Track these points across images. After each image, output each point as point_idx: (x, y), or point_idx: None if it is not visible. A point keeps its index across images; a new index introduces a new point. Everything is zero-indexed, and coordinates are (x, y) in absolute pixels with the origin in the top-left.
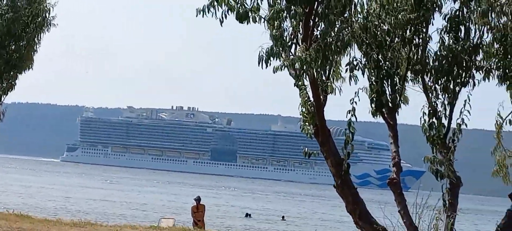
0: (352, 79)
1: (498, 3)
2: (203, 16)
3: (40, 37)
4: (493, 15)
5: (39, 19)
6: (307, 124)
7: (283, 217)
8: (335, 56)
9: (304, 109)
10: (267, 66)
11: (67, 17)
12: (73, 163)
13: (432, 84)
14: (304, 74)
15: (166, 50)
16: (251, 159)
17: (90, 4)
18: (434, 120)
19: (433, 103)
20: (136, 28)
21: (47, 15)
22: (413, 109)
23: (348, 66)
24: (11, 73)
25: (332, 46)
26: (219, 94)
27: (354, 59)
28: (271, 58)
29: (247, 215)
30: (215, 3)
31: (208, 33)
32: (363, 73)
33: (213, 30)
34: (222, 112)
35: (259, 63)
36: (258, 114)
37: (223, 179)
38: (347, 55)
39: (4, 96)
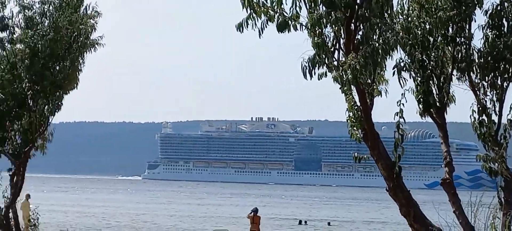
0: (401, 80)
1: None
2: (242, 31)
3: (84, 57)
4: None
5: (81, 38)
6: (354, 128)
7: (329, 223)
8: (384, 60)
9: (351, 114)
10: (311, 76)
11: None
12: (155, 180)
13: (479, 81)
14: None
15: (236, 62)
16: (336, 167)
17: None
18: (484, 117)
19: (482, 101)
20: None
21: (89, 34)
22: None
23: (394, 69)
24: (57, 94)
25: (380, 51)
26: (299, 102)
27: (401, 60)
28: (316, 67)
29: (301, 222)
30: (254, 15)
31: (279, 39)
32: (409, 75)
33: (281, 37)
34: (303, 120)
35: (304, 75)
36: (336, 121)
37: (307, 189)
38: (390, 58)
39: (52, 117)
